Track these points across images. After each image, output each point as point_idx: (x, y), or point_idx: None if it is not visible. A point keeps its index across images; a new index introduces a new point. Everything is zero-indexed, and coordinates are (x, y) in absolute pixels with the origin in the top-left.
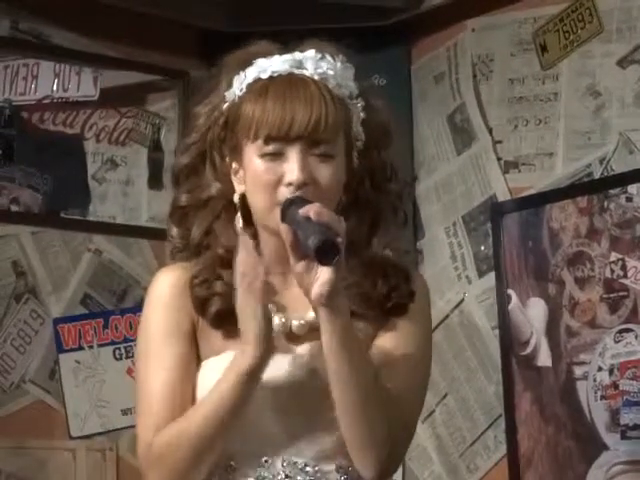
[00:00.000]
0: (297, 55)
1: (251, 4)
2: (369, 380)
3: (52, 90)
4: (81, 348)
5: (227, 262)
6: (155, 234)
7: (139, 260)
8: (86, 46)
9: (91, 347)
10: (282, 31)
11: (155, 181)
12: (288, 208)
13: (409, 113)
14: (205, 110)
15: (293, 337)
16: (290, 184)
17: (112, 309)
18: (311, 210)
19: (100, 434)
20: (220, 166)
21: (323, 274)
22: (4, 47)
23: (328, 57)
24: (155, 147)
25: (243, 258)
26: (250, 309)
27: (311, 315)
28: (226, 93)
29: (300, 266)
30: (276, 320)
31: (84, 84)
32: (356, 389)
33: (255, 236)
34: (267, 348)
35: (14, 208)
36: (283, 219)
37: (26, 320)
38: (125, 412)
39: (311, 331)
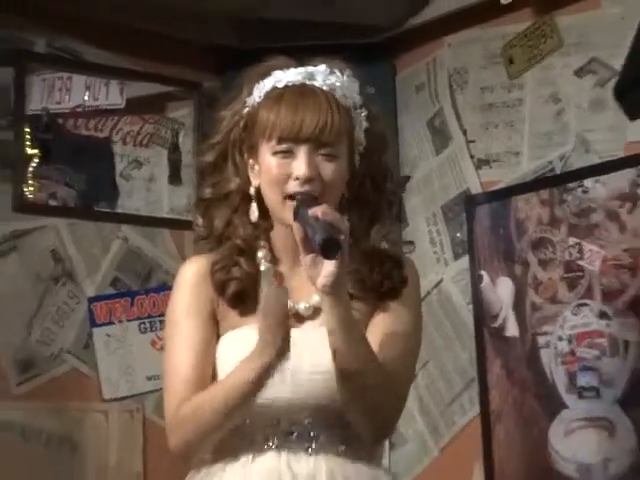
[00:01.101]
0: (309, 68)
1: (256, 25)
2: (366, 356)
3: (84, 100)
4: (111, 323)
5: (243, 251)
6: (174, 224)
7: (161, 247)
8: (113, 61)
9: (120, 322)
10: (283, 48)
11: (174, 178)
12: (299, 208)
13: (394, 118)
14: (228, 114)
15: (300, 318)
16: (297, 178)
17: (138, 289)
18: (319, 210)
19: (128, 397)
20: (239, 163)
21: (327, 267)
22: (42, 63)
23: (337, 72)
24: (174, 149)
25: (268, 302)
26: (274, 328)
27: (315, 299)
28: (247, 99)
29: (308, 259)
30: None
31: (112, 94)
32: (354, 364)
33: (270, 226)
34: (284, 351)
35: (52, 202)
36: (295, 218)
37: (64, 299)
38: (149, 378)
39: (315, 312)
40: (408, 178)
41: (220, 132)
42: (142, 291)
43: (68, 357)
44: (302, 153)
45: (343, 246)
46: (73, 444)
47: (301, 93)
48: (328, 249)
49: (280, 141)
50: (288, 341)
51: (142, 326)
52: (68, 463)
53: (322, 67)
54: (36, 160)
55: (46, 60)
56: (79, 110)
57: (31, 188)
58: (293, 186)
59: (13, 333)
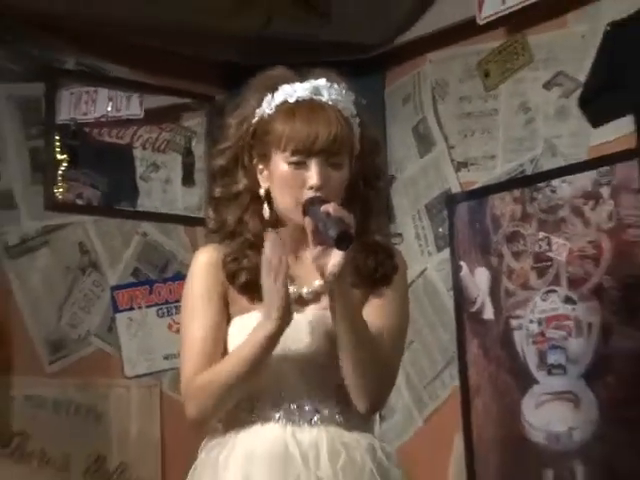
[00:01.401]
0: (314, 82)
1: (261, 43)
2: (365, 336)
3: (107, 111)
4: (132, 309)
5: (253, 245)
6: (188, 220)
7: (176, 241)
8: (133, 76)
9: (140, 308)
10: (286, 63)
11: (187, 180)
12: (310, 206)
13: (383, 126)
14: (235, 122)
15: (302, 301)
16: (312, 187)
17: (156, 279)
18: (330, 207)
19: (147, 375)
20: (248, 167)
21: (335, 258)
22: (70, 78)
23: (335, 85)
24: (187, 154)
25: (270, 248)
26: (274, 289)
27: (316, 284)
28: (257, 110)
29: (317, 250)
30: (290, 289)
31: (132, 106)
32: (356, 344)
33: (277, 223)
34: (286, 318)
35: (79, 202)
36: (305, 214)
37: (90, 288)
38: (166, 357)
39: (316, 296)
40: (393, 177)
41: (229, 138)
42: (160, 280)
43: (94, 339)
44: (314, 165)
45: (354, 239)
46: (98, 415)
47: (312, 108)
48: (342, 242)
49: (294, 153)
50: (289, 306)
51: (160, 311)
52: (94, 432)
53: (323, 81)
54: (65, 164)
55: (74, 76)
56: (103, 120)
57: (60, 189)
58: (307, 194)
59: (45, 318)
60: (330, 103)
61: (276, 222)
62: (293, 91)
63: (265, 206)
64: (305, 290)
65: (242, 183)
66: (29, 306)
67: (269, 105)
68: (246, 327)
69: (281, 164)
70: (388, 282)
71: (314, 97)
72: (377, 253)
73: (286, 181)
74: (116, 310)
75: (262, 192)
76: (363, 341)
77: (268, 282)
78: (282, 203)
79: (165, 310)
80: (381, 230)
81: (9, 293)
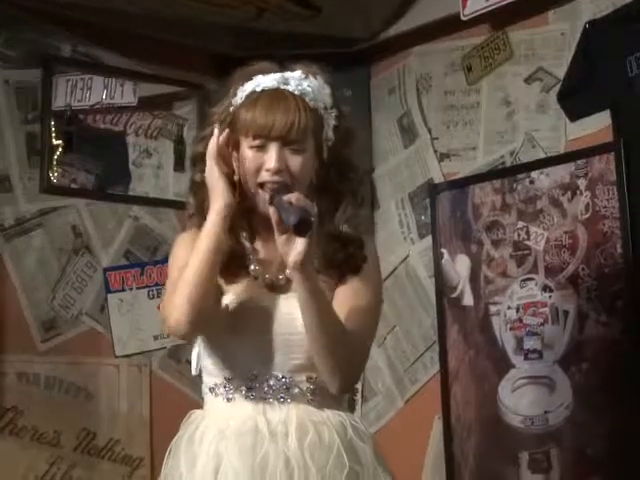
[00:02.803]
0: (286, 74)
1: (251, 35)
2: (331, 321)
3: (102, 98)
4: (124, 290)
5: (229, 228)
6: (179, 205)
7: (167, 224)
8: (128, 65)
9: (131, 289)
10: (274, 55)
11: (179, 166)
12: (275, 195)
13: (368, 117)
14: (216, 111)
15: (274, 287)
16: (268, 170)
17: (147, 261)
18: (292, 197)
19: (137, 354)
20: (225, 153)
21: (298, 245)
22: (67, 65)
23: (311, 77)
24: (179, 141)
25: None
26: (212, 169)
27: (288, 272)
28: (232, 100)
29: (282, 239)
30: (264, 275)
31: (126, 93)
32: (322, 328)
33: (251, 210)
34: (228, 195)
35: (73, 186)
36: (271, 202)
37: (82, 269)
38: (156, 337)
39: (287, 282)
40: (372, 170)
41: (209, 126)
42: (151, 262)
43: (86, 319)
44: (272, 149)
45: (313, 227)
46: (89, 393)
47: (274, 97)
48: (301, 228)
49: (255, 137)
50: (222, 183)
51: (150, 293)
52: (84, 409)
53: (297, 73)
54: (60, 149)
55: (70, 63)
56: (98, 107)
57: (56, 173)
58: (264, 176)
59: (39, 298)
60: (296, 93)
61: (250, 209)
62: (263, 81)
63: (236, 193)
64: (277, 276)
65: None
66: (23, 286)
67: (241, 95)
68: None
69: (246, 149)
70: (357, 272)
71: (281, 87)
72: (347, 244)
73: (247, 164)
74: (108, 291)
75: (236, 178)
76: (328, 325)
77: (207, 168)
78: (246, 185)
79: (155, 292)
80: (352, 220)
81: (4, 273)
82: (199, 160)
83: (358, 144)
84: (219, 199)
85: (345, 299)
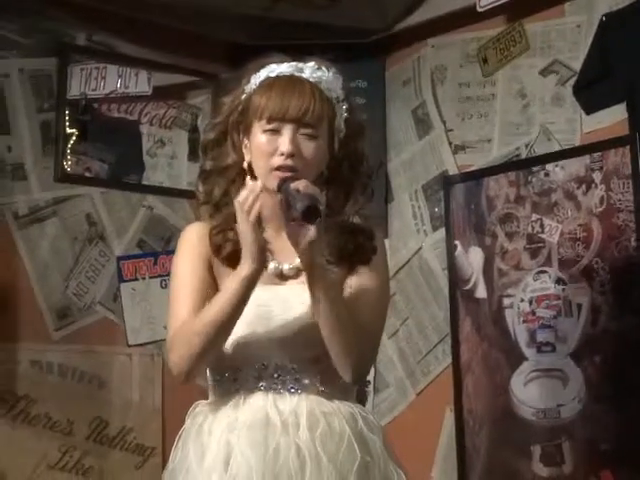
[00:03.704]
0: (299, 64)
1: (265, 24)
2: (341, 308)
3: (116, 87)
4: (136, 279)
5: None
6: (192, 195)
7: (180, 214)
8: (142, 54)
9: (144, 279)
10: (288, 45)
11: (193, 156)
12: (283, 184)
13: (383, 108)
14: (228, 100)
15: (284, 277)
16: (282, 153)
17: (160, 250)
18: (300, 184)
19: (149, 343)
20: (236, 142)
21: (307, 233)
22: (81, 54)
23: (323, 68)
24: (193, 130)
25: (246, 192)
26: (248, 231)
27: (297, 261)
28: (245, 88)
29: (290, 226)
30: (271, 265)
31: (141, 83)
32: (333, 315)
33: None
34: (260, 261)
35: (87, 174)
36: (279, 190)
37: (96, 258)
38: None
39: (297, 272)
40: (383, 163)
41: (221, 115)
42: (164, 252)
43: (99, 308)
44: (286, 132)
45: (321, 213)
46: (101, 382)
47: (289, 81)
48: (308, 215)
49: (269, 121)
50: (261, 248)
51: (163, 282)
52: (97, 398)
53: (311, 63)
54: (74, 138)
55: (85, 52)
56: (112, 96)
57: (70, 162)
58: (278, 160)
59: (53, 286)
60: (311, 80)
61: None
62: (276, 68)
63: (247, 179)
64: (286, 266)
65: (231, 157)
66: (37, 274)
67: (255, 81)
68: None
69: (258, 133)
70: (367, 262)
71: (295, 74)
72: (357, 234)
73: (261, 148)
74: (121, 280)
75: (245, 165)
76: (339, 311)
77: (242, 225)
78: (258, 171)
79: (168, 281)
80: (362, 212)
81: (18, 261)
82: (209, 148)
83: (370, 136)
84: (251, 263)
85: (355, 289)
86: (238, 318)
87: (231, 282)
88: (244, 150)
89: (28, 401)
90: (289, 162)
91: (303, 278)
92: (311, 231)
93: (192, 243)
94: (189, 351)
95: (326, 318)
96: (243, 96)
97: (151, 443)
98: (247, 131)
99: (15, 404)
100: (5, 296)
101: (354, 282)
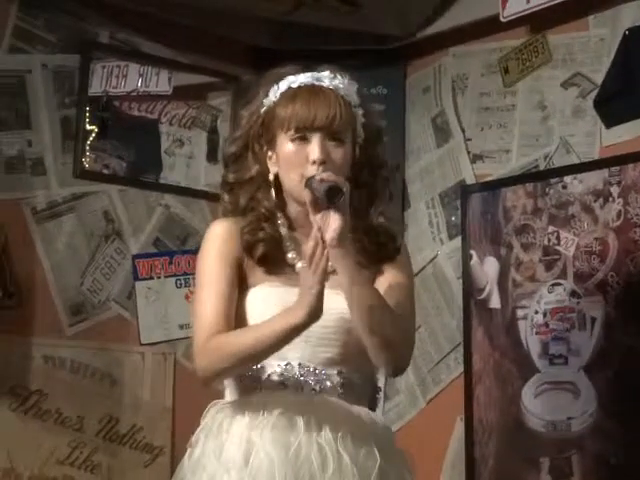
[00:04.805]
0: (316, 73)
1: (288, 29)
2: (376, 299)
3: (137, 85)
4: (152, 278)
5: (267, 218)
6: (210, 196)
7: (197, 214)
8: (164, 54)
9: (159, 277)
10: (310, 50)
11: (211, 156)
12: (309, 181)
13: (402, 115)
14: (247, 113)
15: None
16: (314, 162)
17: (176, 250)
18: (324, 175)
19: (163, 342)
20: (259, 154)
21: (333, 222)
22: (104, 52)
23: (338, 76)
24: (212, 131)
25: (312, 244)
26: (315, 284)
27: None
28: (264, 101)
29: (318, 217)
30: (299, 264)
31: (161, 82)
32: (368, 306)
33: (284, 206)
34: (317, 316)
35: (105, 171)
36: (305, 187)
37: (112, 255)
38: (182, 326)
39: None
40: (398, 167)
41: (241, 128)
42: (180, 252)
43: (113, 305)
44: (315, 140)
45: (344, 194)
46: (113, 379)
47: (313, 91)
48: (331, 195)
49: (297, 130)
50: (321, 304)
51: (178, 282)
52: (108, 395)
53: (327, 72)
54: (94, 135)
55: (107, 50)
56: (133, 94)
57: (89, 159)
58: (311, 170)
59: (68, 282)
60: (331, 88)
61: (284, 207)
62: (296, 79)
63: (272, 190)
64: None
65: (254, 169)
66: (53, 270)
67: (274, 94)
68: (262, 298)
69: (286, 144)
70: (392, 261)
71: (315, 83)
72: (380, 235)
73: (290, 159)
74: (136, 278)
75: (271, 177)
76: (375, 306)
77: (307, 274)
78: (288, 181)
79: (183, 281)
80: (385, 215)
81: (34, 256)
82: (231, 161)
83: (389, 142)
84: (307, 314)
85: (385, 286)
86: (274, 352)
87: (280, 320)
88: (268, 162)
89: (40, 396)
90: (322, 171)
91: (332, 282)
92: (336, 220)
93: (223, 239)
94: (220, 365)
95: (361, 310)
96: (263, 109)
97: (160, 442)
98: (271, 143)
99: (27, 398)
100: (20, 290)
101: (382, 280)
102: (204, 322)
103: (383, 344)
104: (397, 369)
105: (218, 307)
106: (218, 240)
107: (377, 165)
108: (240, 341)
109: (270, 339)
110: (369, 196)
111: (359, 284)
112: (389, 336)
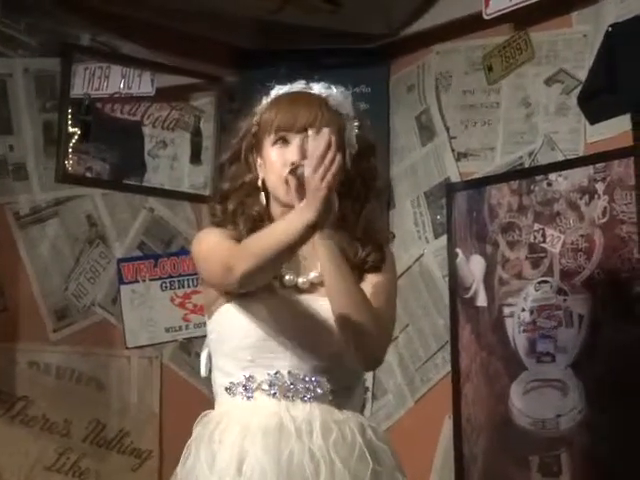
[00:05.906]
0: (310, 83)
1: (270, 29)
2: (354, 287)
3: (120, 87)
4: (137, 281)
5: (256, 220)
6: (194, 197)
7: (181, 216)
8: (146, 55)
9: (144, 281)
10: (293, 50)
11: (195, 158)
12: (295, 169)
13: (387, 114)
14: (244, 125)
15: (299, 290)
16: (292, 164)
17: (160, 253)
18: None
19: (148, 346)
20: (251, 162)
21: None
22: (85, 54)
23: (332, 87)
24: (196, 133)
25: (326, 146)
26: (319, 187)
27: (312, 275)
28: (257, 110)
29: (303, 203)
30: (287, 277)
31: (144, 84)
32: (347, 293)
33: (269, 212)
34: (328, 210)
35: (88, 175)
36: (290, 174)
37: (96, 259)
38: (167, 330)
39: (312, 286)
40: (389, 184)
41: (236, 138)
42: (164, 254)
43: (98, 309)
44: (295, 142)
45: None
46: (99, 384)
47: (297, 94)
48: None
49: (277, 131)
50: (328, 207)
51: (163, 285)
52: (94, 399)
53: (320, 83)
54: (77, 138)
55: (89, 52)
56: (115, 96)
57: (71, 162)
58: (286, 170)
59: (52, 287)
60: (317, 93)
61: (270, 212)
62: (287, 87)
63: (261, 195)
64: (301, 280)
65: (247, 177)
66: (37, 275)
67: (265, 101)
68: (246, 312)
69: (269, 147)
70: (377, 271)
71: (304, 89)
72: (367, 245)
73: (272, 161)
74: (121, 282)
75: (259, 182)
76: (354, 294)
77: (313, 176)
78: (270, 183)
79: (168, 284)
80: (374, 225)
81: (18, 261)
82: (227, 168)
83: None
84: (316, 210)
85: (367, 289)
86: (298, 247)
87: (289, 221)
88: (258, 168)
89: (26, 402)
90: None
91: (318, 292)
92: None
93: (219, 230)
94: (261, 257)
95: (339, 297)
96: (255, 117)
97: (148, 446)
98: (259, 148)
99: (13, 405)
100: (4, 296)
101: (366, 285)
102: (224, 246)
103: (357, 329)
104: (369, 358)
105: (230, 241)
106: (215, 229)
107: (370, 178)
108: (265, 237)
109: (286, 242)
110: (360, 207)
111: (337, 265)
112: (364, 322)
